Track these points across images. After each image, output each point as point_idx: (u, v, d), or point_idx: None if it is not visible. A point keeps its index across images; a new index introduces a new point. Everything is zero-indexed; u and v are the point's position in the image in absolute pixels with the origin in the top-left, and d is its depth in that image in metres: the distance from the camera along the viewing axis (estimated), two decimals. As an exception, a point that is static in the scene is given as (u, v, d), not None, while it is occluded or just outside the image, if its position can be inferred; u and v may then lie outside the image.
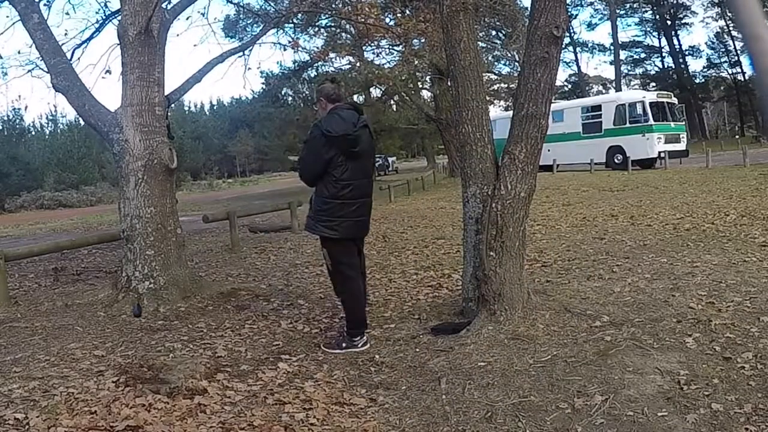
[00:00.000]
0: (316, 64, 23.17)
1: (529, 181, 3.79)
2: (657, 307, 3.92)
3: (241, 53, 8.22)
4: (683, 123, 21.26)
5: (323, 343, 3.80)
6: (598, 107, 21.67)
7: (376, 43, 18.93)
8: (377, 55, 21.80)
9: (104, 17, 8.09)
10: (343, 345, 3.66)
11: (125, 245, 4.97)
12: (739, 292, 4.11)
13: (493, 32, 25.23)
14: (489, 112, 4.17)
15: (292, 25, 10.96)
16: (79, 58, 7.71)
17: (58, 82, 5.19)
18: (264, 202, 16.88)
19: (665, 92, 23.47)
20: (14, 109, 37.93)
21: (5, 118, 38.88)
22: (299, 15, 9.69)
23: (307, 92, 26.75)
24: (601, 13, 48.75)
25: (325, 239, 3.71)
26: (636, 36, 51.04)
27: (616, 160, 20.02)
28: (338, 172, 3.57)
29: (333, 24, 17.20)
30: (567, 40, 39.95)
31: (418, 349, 3.55)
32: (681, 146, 20.24)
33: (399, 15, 15.86)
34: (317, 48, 20.11)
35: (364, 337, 3.70)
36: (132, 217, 4.90)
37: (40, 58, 5.60)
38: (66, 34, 19.64)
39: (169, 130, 5.40)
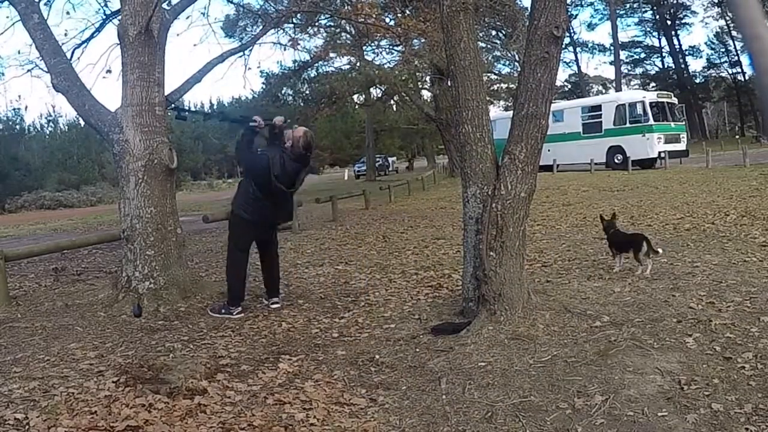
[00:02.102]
0: (316, 64, 23.15)
1: (529, 181, 3.79)
2: (657, 307, 3.93)
3: (241, 53, 8.23)
4: (683, 123, 21.25)
5: (209, 308, 4.70)
6: (598, 107, 21.66)
7: (376, 43, 18.94)
8: (377, 55, 21.81)
9: (104, 17, 8.11)
10: (222, 311, 4.57)
11: (125, 245, 4.97)
12: (739, 292, 4.11)
13: (493, 32, 25.23)
14: (489, 112, 4.17)
15: (292, 25, 10.95)
16: (79, 58, 7.73)
17: (58, 82, 5.18)
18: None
19: (665, 92, 23.47)
20: (14, 109, 37.96)
21: (5, 119, 38.90)
22: (299, 15, 9.68)
23: (307, 92, 26.72)
24: (601, 13, 48.84)
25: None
26: (636, 36, 51.18)
27: (616, 160, 20.02)
28: None
29: (333, 24, 17.20)
30: (567, 40, 39.94)
31: (418, 349, 3.55)
32: (681, 146, 20.24)
33: (399, 15, 15.86)
34: (317, 48, 20.10)
35: (239, 308, 4.62)
36: (132, 217, 4.90)
37: (40, 58, 5.60)
38: (66, 34, 19.66)
39: (180, 111, 5.45)
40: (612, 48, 45.32)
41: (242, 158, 4.78)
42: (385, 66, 21.44)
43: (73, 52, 7.43)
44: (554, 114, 18.48)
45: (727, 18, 40.78)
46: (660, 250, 5.07)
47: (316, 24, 13.32)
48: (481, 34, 22.47)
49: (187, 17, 9.61)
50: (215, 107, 62.37)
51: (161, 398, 2.86)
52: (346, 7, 11.80)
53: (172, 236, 5.05)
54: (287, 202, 4.82)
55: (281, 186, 4.49)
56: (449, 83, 4.85)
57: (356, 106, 32.61)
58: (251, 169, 4.68)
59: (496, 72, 31.01)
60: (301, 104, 26.64)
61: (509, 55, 26.16)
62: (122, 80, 5.08)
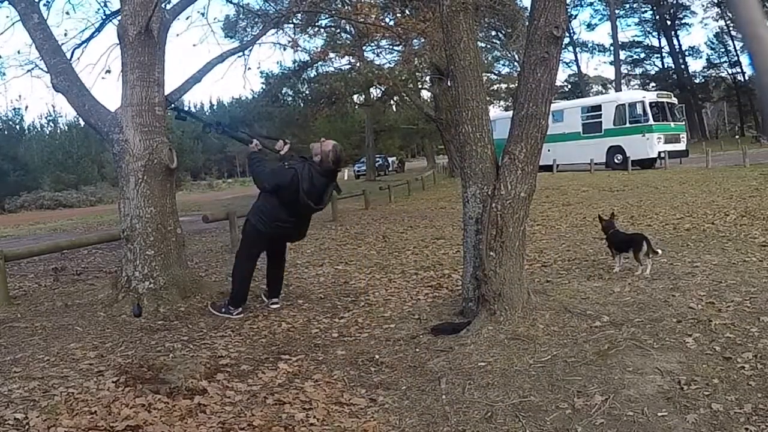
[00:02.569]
0: (316, 64, 23.15)
1: (529, 181, 3.80)
2: (657, 307, 3.93)
3: (240, 53, 8.22)
4: (683, 123, 21.25)
5: (210, 304, 4.68)
6: (598, 107, 21.66)
7: (376, 43, 18.93)
8: (377, 55, 21.79)
9: (104, 17, 8.09)
10: (223, 310, 4.54)
11: (125, 245, 4.97)
12: (739, 292, 4.11)
13: (493, 32, 25.23)
14: (489, 112, 4.17)
15: (291, 25, 10.95)
16: (78, 58, 7.71)
17: (58, 82, 5.18)
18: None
19: (665, 92, 23.46)
20: (14, 109, 38.02)
21: (5, 118, 38.94)
22: (299, 15, 9.68)
23: (307, 92, 26.72)
24: (601, 13, 48.84)
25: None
26: (636, 36, 51.15)
27: (616, 160, 20.02)
28: None
29: (333, 24, 17.20)
30: (567, 40, 39.98)
31: (418, 349, 3.55)
32: (681, 146, 20.24)
33: (399, 15, 15.86)
34: (317, 48, 20.11)
35: (240, 309, 4.57)
36: (132, 217, 4.90)
37: (40, 58, 5.60)
38: (66, 34, 19.66)
39: (179, 112, 5.45)
40: (612, 48, 45.34)
41: (264, 179, 4.42)
42: (385, 66, 21.43)
43: (73, 52, 7.41)
44: (554, 114, 18.49)
45: (727, 18, 40.79)
46: (660, 251, 5.07)
47: (316, 24, 13.33)
48: (481, 34, 22.48)
49: (187, 17, 9.61)
50: (215, 108, 62.42)
51: (161, 398, 2.86)
52: (346, 7, 11.80)
53: (172, 236, 5.05)
54: (307, 221, 4.67)
55: (310, 202, 4.29)
56: (449, 83, 4.86)
57: (356, 106, 32.60)
58: (277, 185, 4.34)
59: (496, 72, 31.04)
60: (301, 104, 26.65)
61: (509, 55, 26.18)
62: (122, 80, 5.08)
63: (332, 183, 4.53)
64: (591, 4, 48.85)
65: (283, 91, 26.77)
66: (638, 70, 52.52)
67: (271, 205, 4.41)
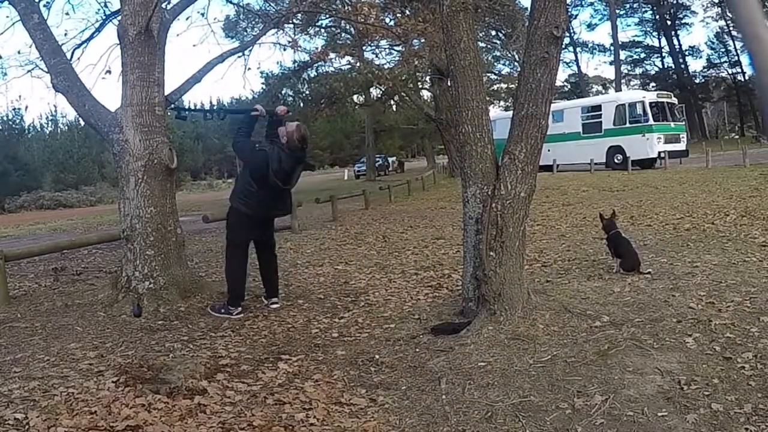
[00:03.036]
0: (316, 64, 23.14)
1: (529, 181, 3.80)
2: (657, 307, 3.93)
3: (240, 53, 8.22)
4: (683, 123, 21.25)
5: (209, 306, 4.71)
6: (598, 107, 21.66)
7: (375, 43, 18.93)
8: (377, 56, 21.80)
9: (104, 17, 8.07)
10: (222, 311, 4.58)
11: (125, 245, 4.97)
12: (739, 292, 4.11)
13: (493, 32, 25.23)
14: (489, 112, 4.17)
15: (291, 25, 10.95)
16: (79, 58, 7.70)
17: (58, 82, 5.18)
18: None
19: (665, 92, 23.46)
20: (14, 109, 38.06)
21: (5, 118, 38.96)
22: (299, 15, 9.69)
23: (307, 92, 26.71)
24: (601, 13, 48.86)
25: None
26: (636, 36, 51.16)
27: (616, 160, 20.02)
28: None
29: (333, 24, 17.21)
30: (567, 40, 39.97)
31: (418, 349, 3.55)
32: (681, 146, 20.25)
33: (399, 15, 15.85)
34: (317, 48, 20.11)
35: (239, 308, 4.62)
36: (132, 217, 4.90)
37: (40, 58, 5.60)
38: (66, 34, 19.58)
39: (180, 111, 5.46)
40: (612, 48, 45.32)
41: (241, 153, 4.78)
42: (385, 66, 21.43)
43: (73, 53, 7.41)
44: (554, 114, 18.47)
45: (727, 18, 40.78)
46: (650, 271, 4.89)
47: (316, 24, 13.33)
48: (481, 34, 22.47)
49: (187, 18, 9.60)
50: (215, 107, 62.44)
51: (161, 398, 2.86)
52: (346, 8, 11.81)
53: (172, 236, 5.05)
54: (285, 197, 4.84)
55: (278, 182, 4.52)
56: (449, 83, 4.85)
57: (356, 106, 32.60)
58: (249, 165, 4.70)
59: (496, 72, 31.04)
60: (301, 105, 26.63)
61: (509, 55, 26.18)
62: (122, 80, 5.08)
63: (301, 163, 4.73)
64: (591, 4, 48.95)
65: (283, 92, 26.74)
66: (638, 70, 52.58)
67: (246, 185, 4.65)
